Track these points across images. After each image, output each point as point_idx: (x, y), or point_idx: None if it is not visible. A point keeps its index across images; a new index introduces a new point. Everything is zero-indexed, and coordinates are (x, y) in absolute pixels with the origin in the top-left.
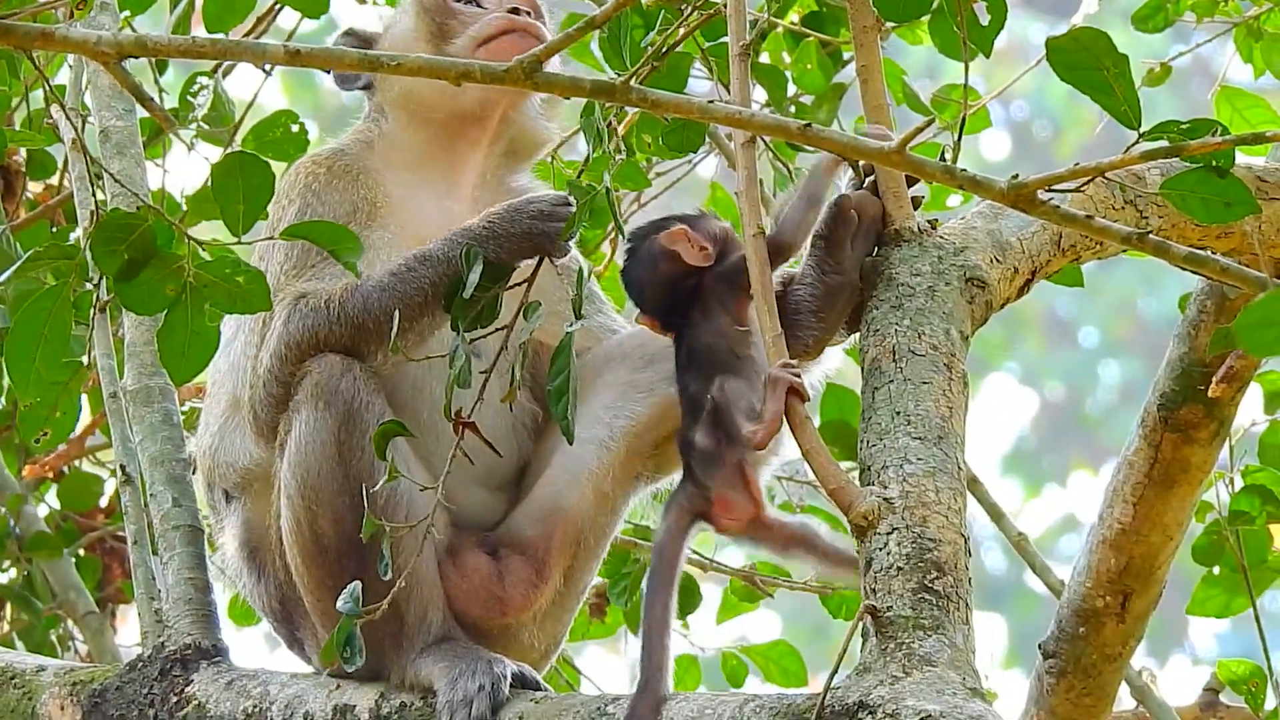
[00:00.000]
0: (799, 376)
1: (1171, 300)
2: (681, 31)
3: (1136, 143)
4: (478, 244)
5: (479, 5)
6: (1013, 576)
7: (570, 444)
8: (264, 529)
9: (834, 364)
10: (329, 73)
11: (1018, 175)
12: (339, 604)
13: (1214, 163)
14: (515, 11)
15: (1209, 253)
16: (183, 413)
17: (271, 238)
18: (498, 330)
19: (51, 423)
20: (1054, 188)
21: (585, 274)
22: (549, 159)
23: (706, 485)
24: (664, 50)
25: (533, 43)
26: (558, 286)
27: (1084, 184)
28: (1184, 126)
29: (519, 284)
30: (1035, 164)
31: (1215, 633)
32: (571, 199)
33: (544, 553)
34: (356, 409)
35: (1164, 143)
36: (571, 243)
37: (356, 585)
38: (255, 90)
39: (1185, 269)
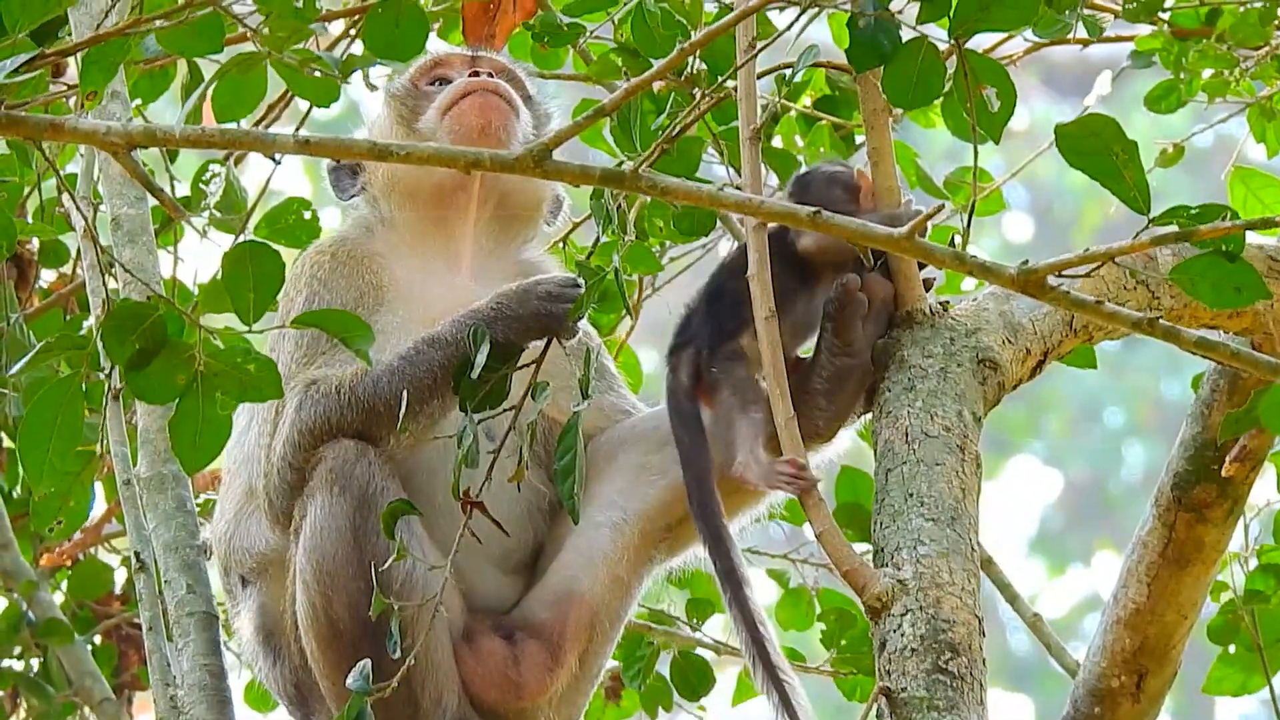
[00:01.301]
0: (806, 480)
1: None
2: (692, 115)
3: (1146, 228)
4: (486, 325)
5: (445, 83)
6: (1038, 657)
7: (575, 524)
8: (279, 614)
9: (843, 445)
10: (337, 193)
11: (1028, 261)
12: (348, 682)
13: (1224, 247)
14: (476, 75)
15: (1220, 333)
16: (199, 504)
17: (283, 326)
18: (506, 410)
19: (65, 512)
20: (1064, 273)
21: (594, 354)
22: (560, 244)
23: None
24: (675, 134)
25: (494, 100)
26: (567, 365)
27: (1094, 269)
28: (1193, 211)
29: (528, 365)
30: (1059, 245)
31: (1241, 711)
32: (580, 280)
33: (559, 637)
34: (371, 494)
35: (1174, 227)
36: (581, 323)
37: (366, 663)
38: (268, 176)
39: (1196, 354)
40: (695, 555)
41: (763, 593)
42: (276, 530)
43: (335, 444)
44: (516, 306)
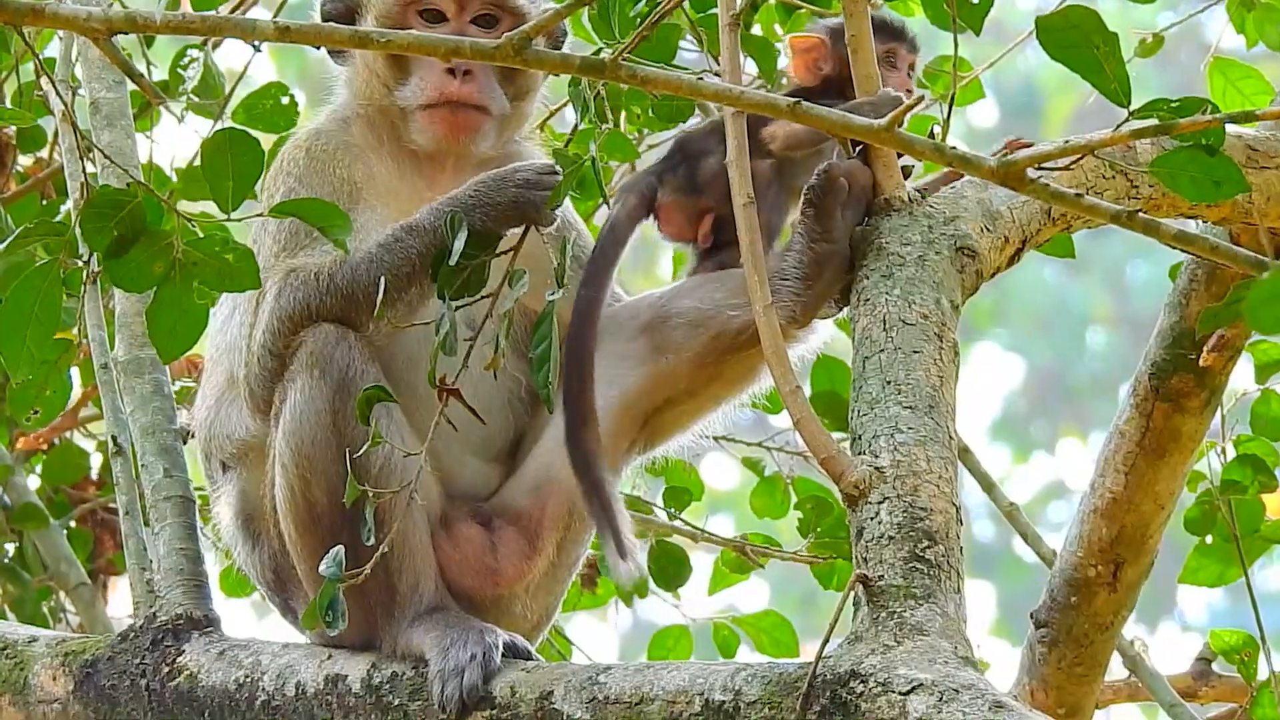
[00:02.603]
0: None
1: (1159, 268)
2: (671, 2)
3: (1126, 120)
4: (464, 212)
5: (434, 17)
6: (1001, 544)
7: (551, 413)
8: (259, 499)
9: (824, 336)
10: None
11: (1006, 153)
12: (321, 568)
13: (1204, 141)
14: (452, 72)
15: (1199, 222)
16: (176, 391)
17: (261, 215)
18: (484, 298)
19: (41, 401)
20: (1043, 165)
21: (571, 243)
22: (538, 130)
23: (671, 190)
24: (654, 21)
25: (467, 116)
26: (547, 254)
27: (1074, 162)
28: (1174, 104)
29: (506, 252)
30: (1023, 131)
31: (1205, 600)
32: (558, 167)
33: (537, 524)
34: (351, 378)
35: (1153, 120)
36: (558, 211)
37: (339, 550)
38: (246, 63)
39: (1174, 247)
40: (675, 445)
41: (731, 478)
42: (257, 417)
43: (316, 328)
44: (494, 193)
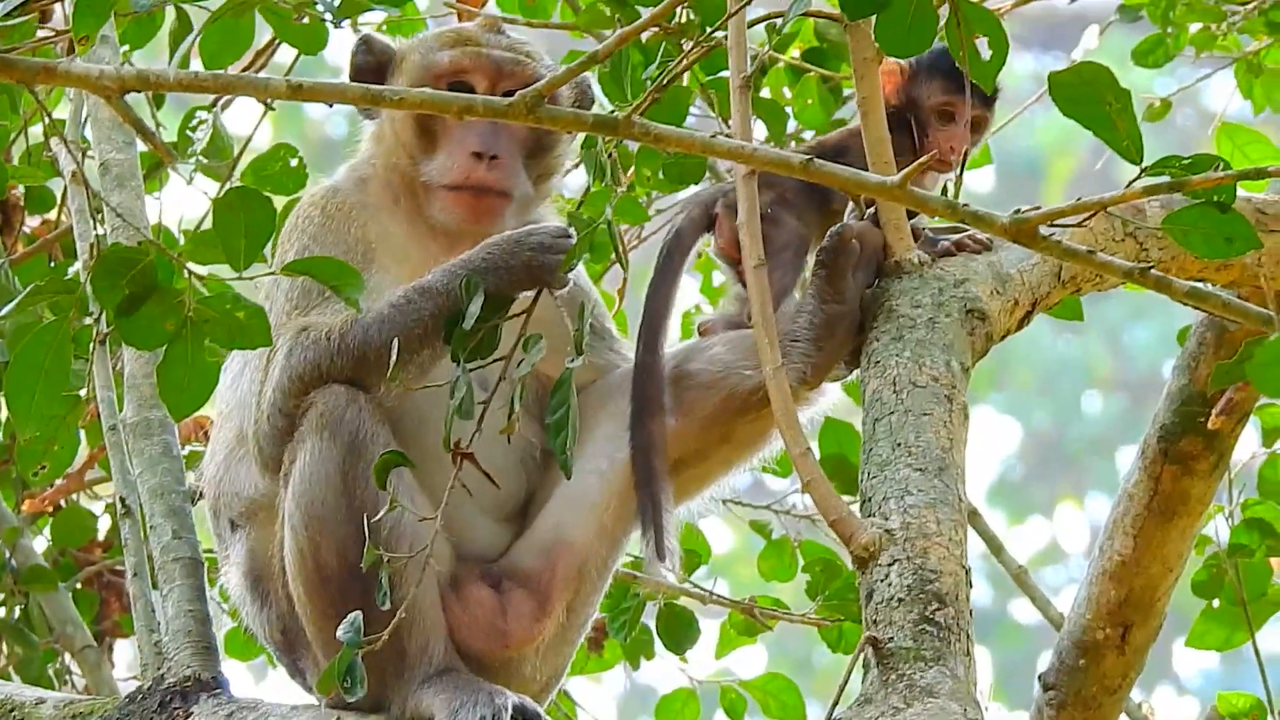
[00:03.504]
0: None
1: (1156, 332)
2: (682, 64)
3: (1138, 178)
4: (477, 275)
5: (471, 91)
6: (997, 608)
7: (568, 479)
8: (268, 558)
9: (833, 399)
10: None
11: (1019, 210)
12: (339, 633)
13: (1215, 198)
14: (479, 156)
15: (1208, 286)
16: (184, 454)
17: (273, 273)
18: (497, 361)
19: (49, 457)
20: (1055, 222)
21: (588, 310)
22: None
23: (726, 204)
24: (666, 82)
25: (490, 202)
26: (559, 318)
27: (1086, 219)
28: (1185, 162)
29: (518, 315)
30: (1020, 197)
31: (1200, 664)
32: (572, 231)
33: (547, 585)
34: (361, 440)
35: (1165, 178)
36: (572, 275)
37: (357, 615)
38: (254, 125)
39: (1187, 304)
40: (685, 509)
41: (726, 542)
42: (266, 476)
43: (326, 390)
44: (508, 257)
